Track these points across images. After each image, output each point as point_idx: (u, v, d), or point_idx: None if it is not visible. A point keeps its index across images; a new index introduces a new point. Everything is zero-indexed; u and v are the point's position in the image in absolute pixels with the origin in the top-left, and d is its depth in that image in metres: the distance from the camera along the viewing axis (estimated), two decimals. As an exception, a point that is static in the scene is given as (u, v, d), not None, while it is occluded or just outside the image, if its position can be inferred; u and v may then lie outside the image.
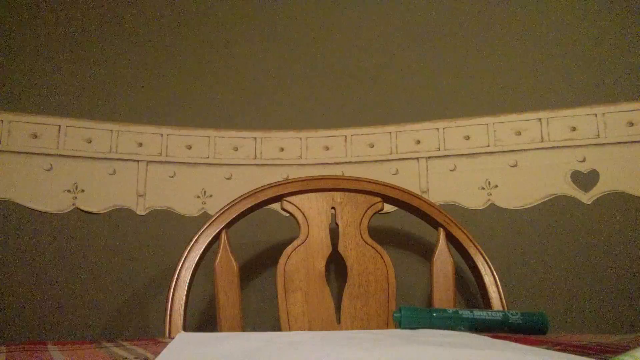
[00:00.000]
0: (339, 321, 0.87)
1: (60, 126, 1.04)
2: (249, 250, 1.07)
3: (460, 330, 0.53)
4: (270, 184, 0.93)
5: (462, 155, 1.06)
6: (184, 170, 1.10)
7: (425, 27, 1.13)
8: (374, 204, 0.92)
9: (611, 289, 0.95)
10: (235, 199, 0.90)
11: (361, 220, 0.91)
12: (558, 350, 0.42)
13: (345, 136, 1.11)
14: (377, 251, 0.90)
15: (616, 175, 0.97)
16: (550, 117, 1.02)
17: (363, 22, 1.16)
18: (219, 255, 0.85)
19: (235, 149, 1.12)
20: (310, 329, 0.85)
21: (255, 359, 0.37)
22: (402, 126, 1.10)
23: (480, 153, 1.05)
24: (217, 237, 0.86)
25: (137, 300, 1.04)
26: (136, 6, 1.14)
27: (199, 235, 0.86)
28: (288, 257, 0.88)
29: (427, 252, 1.00)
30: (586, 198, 0.98)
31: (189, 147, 1.11)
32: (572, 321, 0.95)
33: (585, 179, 0.99)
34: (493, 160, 1.04)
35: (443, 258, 0.87)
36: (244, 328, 0.83)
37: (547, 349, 0.43)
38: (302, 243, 0.89)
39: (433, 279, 0.86)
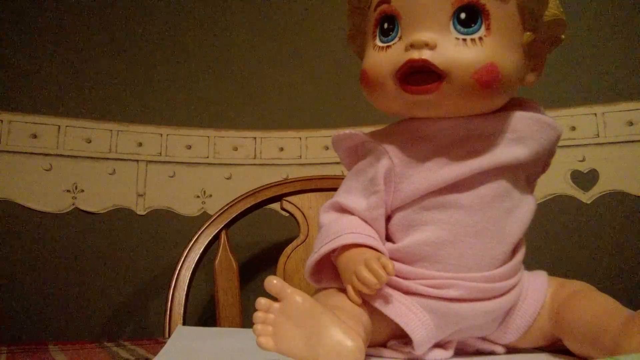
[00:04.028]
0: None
1: (59, 126, 1.04)
2: (249, 250, 1.07)
3: None
4: (270, 183, 0.92)
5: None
6: (183, 170, 1.10)
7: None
8: (374, 203, 0.92)
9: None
10: (235, 199, 0.90)
11: (361, 220, 0.91)
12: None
13: (345, 136, 1.11)
14: (377, 251, 0.90)
15: (616, 175, 0.97)
16: (550, 117, 1.02)
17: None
18: (219, 255, 0.85)
19: (235, 148, 1.12)
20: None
21: (253, 354, 0.37)
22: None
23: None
24: (217, 237, 0.86)
25: (137, 300, 1.04)
26: (136, 6, 1.13)
27: (199, 235, 0.86)
28: (288, 257, 0.88)
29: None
30: (586, 198, 0.98)
31: (189, 147, 1.10)
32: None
33: (585, 179, 0.99)
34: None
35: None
36: (243, 328, 0.83)
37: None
38: (302, 243, 0.89)
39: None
